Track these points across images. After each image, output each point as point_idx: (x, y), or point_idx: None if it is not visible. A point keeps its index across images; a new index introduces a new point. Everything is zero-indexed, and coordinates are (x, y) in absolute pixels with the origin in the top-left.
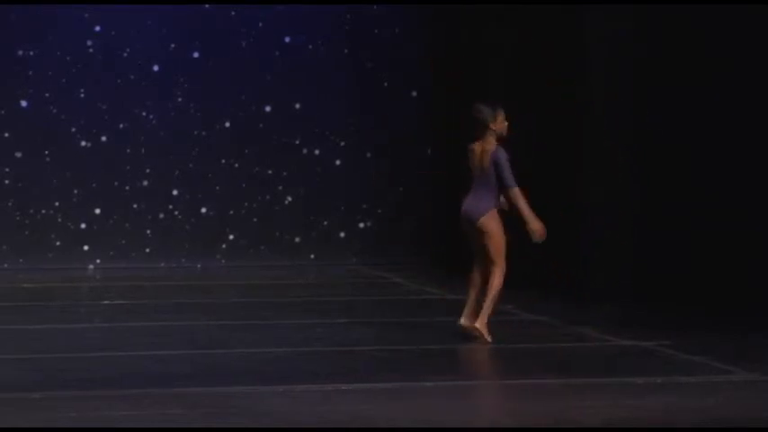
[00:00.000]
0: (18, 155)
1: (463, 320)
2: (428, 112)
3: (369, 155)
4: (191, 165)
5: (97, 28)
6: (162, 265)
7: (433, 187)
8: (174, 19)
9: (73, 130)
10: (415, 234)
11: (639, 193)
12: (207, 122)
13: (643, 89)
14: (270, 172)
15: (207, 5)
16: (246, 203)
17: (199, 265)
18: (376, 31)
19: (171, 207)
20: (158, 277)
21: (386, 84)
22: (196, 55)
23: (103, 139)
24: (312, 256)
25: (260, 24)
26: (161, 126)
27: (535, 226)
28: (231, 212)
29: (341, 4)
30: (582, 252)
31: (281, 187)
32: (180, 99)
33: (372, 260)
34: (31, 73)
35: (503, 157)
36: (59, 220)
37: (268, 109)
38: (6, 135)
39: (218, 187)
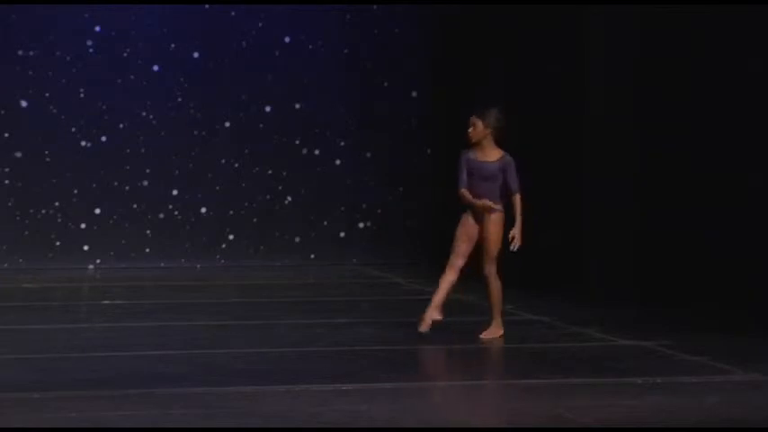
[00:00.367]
0: (18, 155)
1: (437, 315)
2: (428, 112)
3: (369, 155)
4: (191, 165)
5: (97, 28)
6: (162, 265)
7: (433, 187)
8: (174, 19)
9: (73, 130)
10: (415, 234)
11: (640, 193)
12: (207, 122)
13: (643, 89)
14: (270, 172)
15: (207, 5)
16: (246, 203)
17: (199, 266)
18: (376, 31)
19: (171, 207)
20: (158, 277)
21: (386, 84)
22: (196, 55)
23: (103, 139)
24: (312, 256)
25: (260, 24)
26: (161, 126)
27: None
28: (231, 212)
29: (341, 4)
30: (582, 252)
31: (280, 187)
32: (180, 99)
33: (372, 260)
34: (31, 73)
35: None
36: (59, 220)
37: (268, 109)
38: (6, 135)
39: (218, 187)
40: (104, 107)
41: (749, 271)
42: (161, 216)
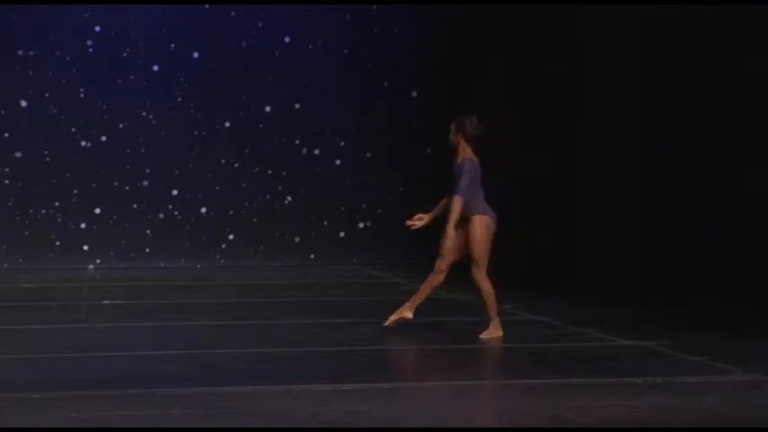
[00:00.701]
0: (18, 155)
1: (409, 313)
2: (428, 112)
3: (369, 155)
4: (191, 165)
5: (97, 28)
6: (162, 265)
7: (433, 187)
8: (174, 19)
9: (73, 130)
10: (415, 234)
11: (640, 193)
12: (207, 122)
13: (643, 89)
14: (270, 172)
15: (207, 5)
16: (246, 203)
17: (198, 266)
18: (376, 31)
19: (171, 207)
20: (158, 277)
21: (386, 84)
22: (196, 55)
23: (103, 139)
24: (312, 256)
25: (260, 24)
26: (161, 126)
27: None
28: (231, 212)
29: (341, 4)
30: (582, 252)
31: (280, 187)
32: (180, 99)
33: (372, 260)
34: (31, 73)
35: None
36: (59, 220)
37: (268, 109)
38: (6, 135)
39: (218, 187)
40: (104, 107)
41: (749, 271)
42: (161, 216)
